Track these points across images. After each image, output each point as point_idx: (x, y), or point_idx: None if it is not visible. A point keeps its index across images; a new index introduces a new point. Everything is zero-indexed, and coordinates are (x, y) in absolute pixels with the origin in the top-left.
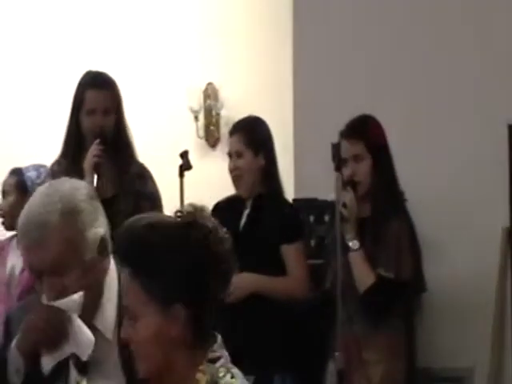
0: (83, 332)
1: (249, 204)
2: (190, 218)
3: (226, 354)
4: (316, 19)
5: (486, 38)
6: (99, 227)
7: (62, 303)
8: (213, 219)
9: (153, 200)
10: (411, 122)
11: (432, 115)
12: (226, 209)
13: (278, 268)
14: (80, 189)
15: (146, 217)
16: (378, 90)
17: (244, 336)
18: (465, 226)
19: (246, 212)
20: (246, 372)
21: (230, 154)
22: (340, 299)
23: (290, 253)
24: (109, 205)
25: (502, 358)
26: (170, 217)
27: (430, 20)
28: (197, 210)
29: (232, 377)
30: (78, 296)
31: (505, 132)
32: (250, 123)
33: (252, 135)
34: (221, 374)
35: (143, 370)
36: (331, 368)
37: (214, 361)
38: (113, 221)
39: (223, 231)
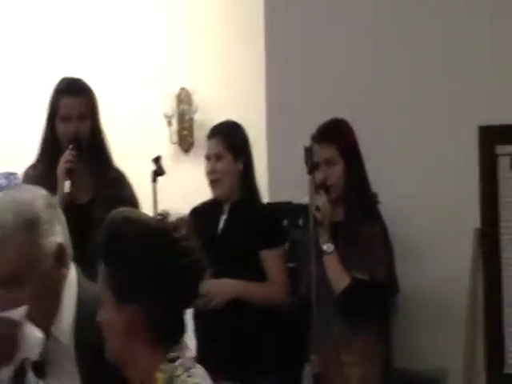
0: (31, 334)
1: (226, 209)
2: (162, 224)
3: (190, 354)
4: (288, 19)
5: (457, 41)
6: (57, 236)
7: (9, 313)
8: (185, 229)
9: (130, 205)
10: (383, 125)
11: (404, 118)
12: (202, 214)
13: (256, 273)
14: (38, 198)
15: (128, 211)
16: (351, 93)
17: (225, 342)
18: (437, 228)
19: (224, 217)
20: (229, 377)
21: (208, 157)
22: (316, 303)
23: (270, 258)
24: (85, 210)
25: (476, 358)
26: (151, 219)
27: (402, 20)
28: (169, 218)
29: (189, 376)
30: (22, 309)
31: (475, 134)
32: (229, 127)
33: (232, 139)
34: (178, 373)
35: (108, 351)
36: (307, 371)
37: (173, 360)
38: (89, 226)
39: (194, 241)
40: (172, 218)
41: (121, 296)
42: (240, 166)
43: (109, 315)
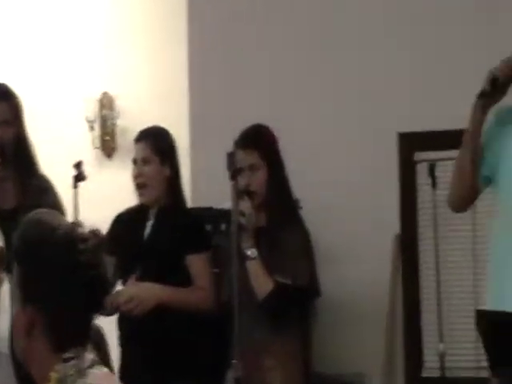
0: None
1: (152, 215)
2: (71, 233)
3: (90, 357)
4: (210, 29)
5: (377, 49)
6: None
7: None
8: (94, 242)
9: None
10: (303, 131)
11: (324, 124)
12: (128, 220)
13: (183, 278)
14: None
15: (45, 214)
16: (274, 99)
17: (148, 347)
18: (358, 233)
19: (150, 222)
20: (150, 382)
21: (134, 161)
22: (238, 308)
23: (196, 263)
24: (10, 217)
25: (394, 362)
26: (64, 226)
27: (324, 26)
28: (80, 229)
29: (81, 377)
30: None
31: (394, 140)
32: (157, 132)
33: (160, 143)
34: (70, 373)
35: (15, 350)
36: (229, 376)
37: (68, 360)
38: (13, 233)
39: (100, 256)
40: (83, 229)
41: (25, 297)
42: (167, 171)
43: (15, 315)
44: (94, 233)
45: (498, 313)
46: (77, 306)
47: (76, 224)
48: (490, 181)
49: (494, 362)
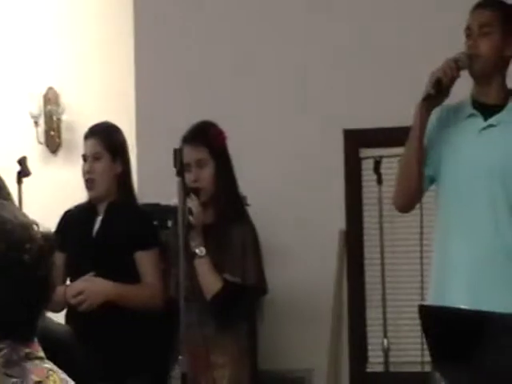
0: None
1: (102, 210)
2: (19, 231)
3: (26, 350)
4: (156, 25)
5: (319, 43)
6: None
7: None
8: (41, 243)
9: None
10: (249, 128)
11: (270, 122)
12: (77, 216)
13: (133, 274)
14: None
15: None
16: (219, 96)
17: (95, 342)
18: (304, 229)
19: (100, 218)
20: (101, 379)
21: (84, 157)
22: (185, 304)
23: (145, 260)
24: None
25: (340, 359)
26: (15, 222)
27: (268, 22)
28: (32, 228)
29: (5, 367)
30: None
31: (340, 137)
32: (108, 128)
33: (110, 140)
34: None
35: None
36: (176, 372)
37: None
38: None
39: (46, 259)
40: (37, 229)
41: None
42: (118, 168)
43: None
44: (46, 235)
45: (440, 308)
46: (14, 302)
47: (32, 222)
48: (433, 180)
49: (436, 357)
